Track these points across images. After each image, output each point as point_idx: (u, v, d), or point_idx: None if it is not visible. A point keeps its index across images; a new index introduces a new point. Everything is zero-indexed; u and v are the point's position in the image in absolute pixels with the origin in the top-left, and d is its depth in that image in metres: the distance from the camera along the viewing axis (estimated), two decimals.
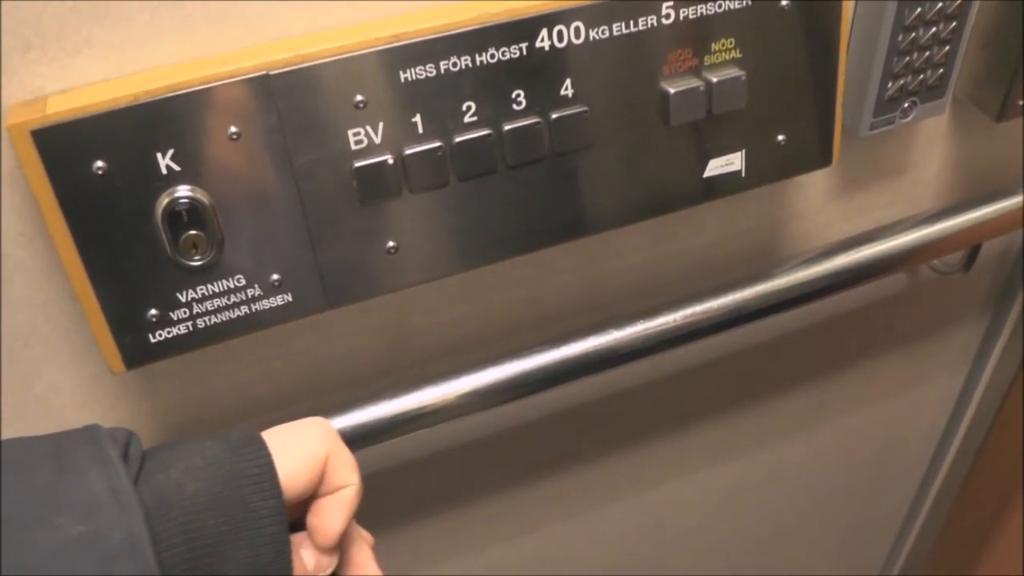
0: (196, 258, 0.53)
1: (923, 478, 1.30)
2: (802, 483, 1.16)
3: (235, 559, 0.42)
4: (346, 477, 0.46)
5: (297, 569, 0.45)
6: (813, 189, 0.79)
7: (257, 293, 0.55)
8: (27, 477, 0.39)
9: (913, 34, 0.68)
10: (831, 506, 1.25)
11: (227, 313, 0.55)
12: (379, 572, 0.49)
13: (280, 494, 0.43)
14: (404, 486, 0.83)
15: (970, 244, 0.86)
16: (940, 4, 0.67)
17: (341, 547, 0.47)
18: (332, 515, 0.46)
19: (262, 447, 0.44)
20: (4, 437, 0.60)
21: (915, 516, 1.36)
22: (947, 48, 0.70)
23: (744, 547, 1.22)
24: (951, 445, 1.23)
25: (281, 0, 0.52)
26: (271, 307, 0.56)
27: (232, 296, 0.55)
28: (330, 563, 0.46)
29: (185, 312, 0.54)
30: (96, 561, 0.37)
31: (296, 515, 0.46)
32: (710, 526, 1.13)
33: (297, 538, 0.46)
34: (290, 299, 0.56)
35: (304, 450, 0.45)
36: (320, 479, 0.46)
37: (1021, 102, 0.76)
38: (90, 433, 0.42)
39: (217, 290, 0.54)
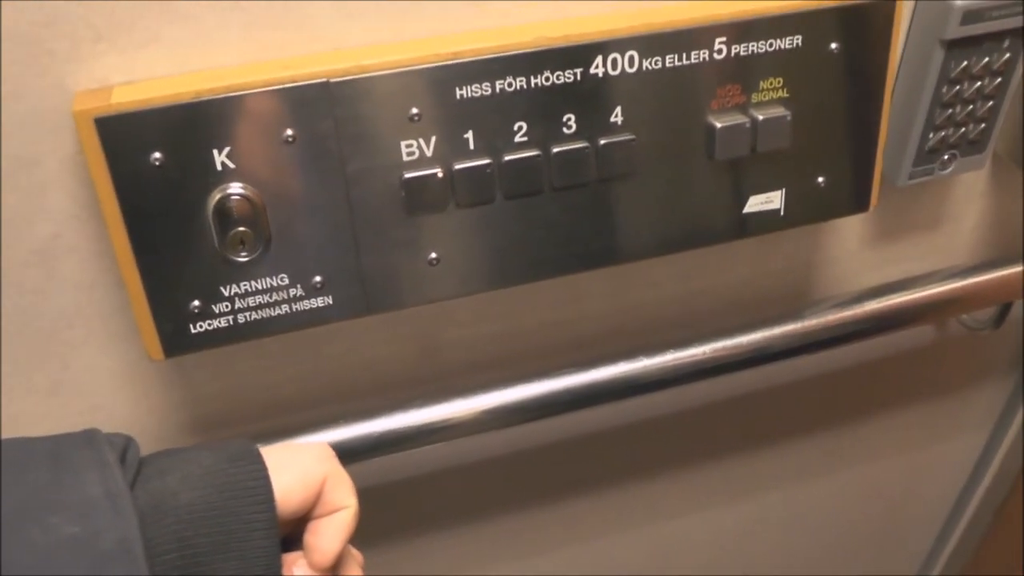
0: (243, 254, 0.54)
1: (938, 535, 1.29)
2: (815, 530, 1.15)
3: (225, 570, 0.42)
4: (344, 499, 0.47)
5: None
6: (848, 234, 0.79)
7: (299, 293, 0.56)
8: (24, 476, 0.40)
9: (958, 87, 0.68)
10: (843, 556, 1.24)
11: (268, 310, 0.56)
12: None
13: (274, 509, 0.43)
14: (420, 498, 0.83)
15: (1002, 301, 0.86)
16: (987, 59, 0.68)
17: (334, 568, 0.48)
18: (329, 536, 0.46)
19: (259, 461, 0.44)
20: (36, 412, 0.62)
21: (931, 568, 1.35)
22: (991, 103, 0.71)
23: None
24: (968, 505, 1.22)
25: (344, 10, 0.54)
26: (311, 308, 0.57)
27: (274, 294, 0.56)
28: None
29: (227, 306, 0.56)
30: (88, 563, 0.38)
31: (286, 533, 0.47)
32: (720, 565, 1.13)
33: (290, 557, 0.47)
34: (331, 302, 0.57)
35: (301, 469, 0.46)
36: (315, 500, 0.46)
37: None
38: (88, 436, 0.42)
39: (260, 287, 0.56)
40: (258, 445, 0.46)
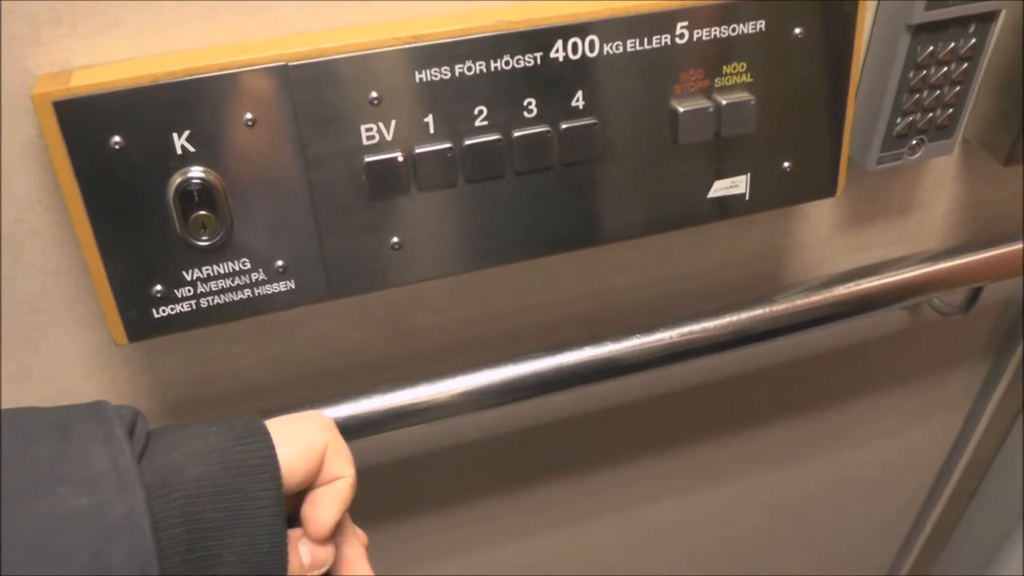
0: (204, 238, 0.54)
1: (916, 517, 1.30)
2: (794, 514, 1.16)
3: (231, 546, 0.42)
4: (342, 468, 0.47)
5: (294, 564, 0.46)
6: (819, 220, 0.80)
7: (261, 278, 0.56)
8: (32, 447, 0.40)
9: (925, 72, 0.68)
10: (822, 539, 1.25)
11: (230, 295, 0.56)
12: (370, 571, 0.50)
13: (280, 486, 0.44)
14: (395, 485, 0.84)
15: (971, 285, 0.86)
16: (953, 44, 0.68)
17: (336, 544, 0.48)
18: (327, 505, 0.47)
19: (266, 438, 0.45)
20: (5, 398, 0.62)
21: (906, 556, 1.35)
22: (958, 88, 0.71)
23: (731, 572, 1.22)
24: (946, 487, 1.23)
25: None
26: (274, 292, 0.57)
27: (236, 278, 0.56)
28: (326, 559, 0.47)
29: (189, 290, 0.55)
30: (95, 535, 0.38)
31: (291, 509, 0.47)
32: (699, 550, 1.13)
33: (295, 534, 0.47)
34: (293, 286, 0.57)
35: (304, 440, 0.46)
36: (318, 470, 0.46)
37: None
38: (96, 409, 0.43)
39: (222, 271, 0.56)
40: (261, 419, 0.46)
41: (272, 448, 0.44)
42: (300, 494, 0.47)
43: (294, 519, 0.47)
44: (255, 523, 0.43)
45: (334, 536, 0.48)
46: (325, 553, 0.47)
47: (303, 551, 0.47)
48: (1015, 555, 1.24)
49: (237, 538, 0.42)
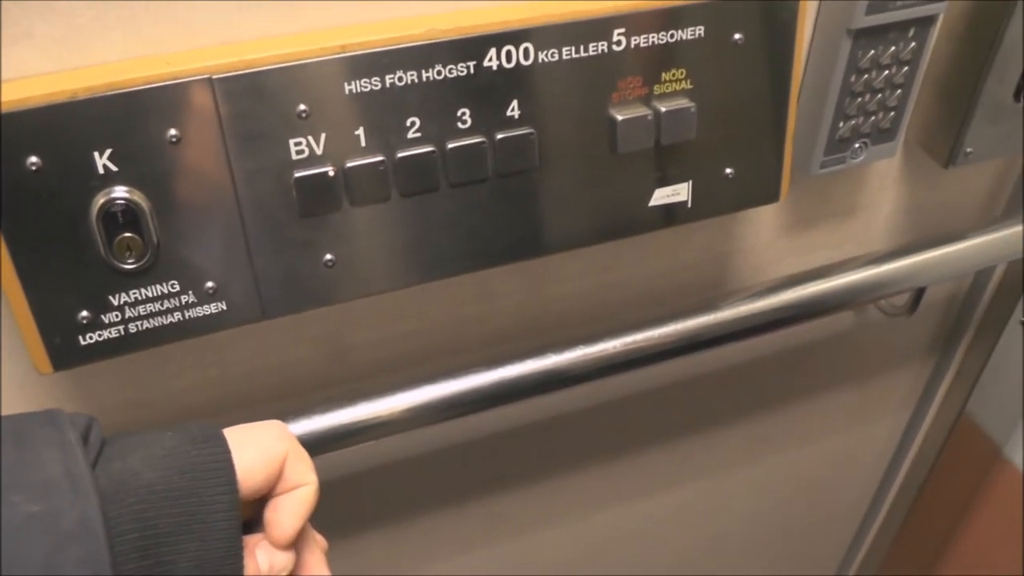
0: (130, 261, 0.52)
1: (864, 516, 1.31)
2: (744, 516, 1.17)
3: (186, 550, 0.42)
4: (304, 476, 0.47)
5: (250, 569, 0.45)
6: (763, 225, 0.79)
7: (191, 300, 0.55)
8: None
9: (866, 75, 0.68)
10: (772, 540, 1.26)
11: (159, 319, 0.55)
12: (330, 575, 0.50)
13: (236, 491, 0.44)
14: (339, 502, 0.82)
15: (915, 287, 0.86)
16: (894, 48, 0.68)
17: (296, 549, 0.48)
18: (289, 512, 0.47)
19: (222, 442, 0.45)
20: None
21: (855, 553, 1.37)
22: (899, 92, 0.71)
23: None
24: (893, 484, 1.24)
25: (231, 3, 0.52)
26: (205, 315, 0.55)
27: (165, 301, 0.54)
28: (285, 565, 0.47)
29: (117, 316, 0.53)
30: (49, 541, 0.38)
31: (250, 515, 0.47)
32: (650, 555, 1.13)
33: (253, 539, 0.47)
34: (224, 308, 0.55)
35: (262, 447, 0.46)
36: (277, 477, 0.46)
37: (969, 150, 0.77)
38: (51, 416, 0.42)
39: (150, 295, 0.54)
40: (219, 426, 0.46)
41: (227, 452, 0.44)
42: (261, 500, 0.47)
43: (256, 524, 0.47)
44: (210, 527, 0.43)
45: (295, 542, 0.48)
46: (285, 559, 0.47)
47: (261, 556, 0.46)
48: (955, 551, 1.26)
49: (192, 542, 0.42)
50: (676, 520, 1.10)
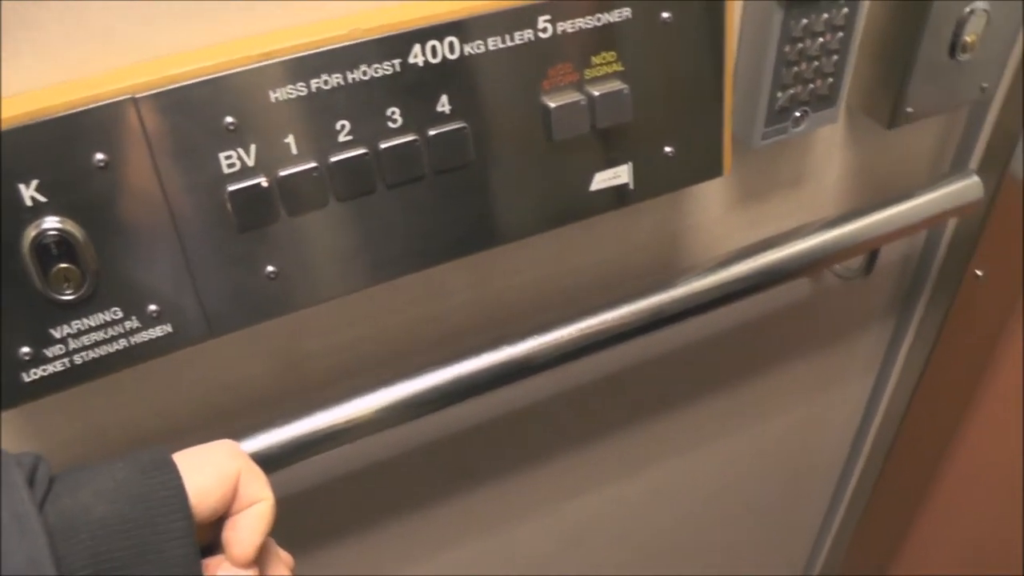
0: (68, 292, 0.51)
1: (839, 479, 1.32)
2: (718, 489, 1.17)
3: None
4: (259, 492, 0.47)
5: None
6: (711, 201, 0.79)
7: (136, 325, 0.53)
8: None
9: (801, 44, 0.68)
10: (749, 511, 1.26)
11: (105, 347, 0.53)
12: None
13: (190, 516, 0.43)
14: (309, 512, 0.82)
15: (868, 249, 0.87)
16: (826, 15, 0.68)
17: (260, 567, 0.47)
18: (247, 529, 0.46)
19: (172, 469, 0.44)
20: None
21: (832, 517, 1.38)
22: (836, 58, 0.71)
23: (663, 558, 1.22)
24: (864, 445, 1.25)
25: (147, 18, 0.51)
26: (151, 339, 0.54)
27: (110, 329, 0.53)
28: None
29: (60, 348, 0.52)
30: None
31: (209, 538, 0.46)
32: (628, 537, 1.13)
33: (214, 561, 0.46)
34: (171, 329, 0.54)
35: (214, 468, 0.45)
36: (232, 496, 0.46)
37: (909, 109, 0.77)
38: None
39: (93, 324, 0.52)
40: (170, 451, 0.45)
41: (179, 478, 0.43)
42: (219, 521, 0.46)
43: (216, 546, 0.47)
44: (166, 556, 0.42)
45: (258, 560, 0.47)
46: None
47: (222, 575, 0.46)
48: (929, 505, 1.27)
49: (149, 573, 0.42)
50: (649, 501, 1.10)
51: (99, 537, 0.41)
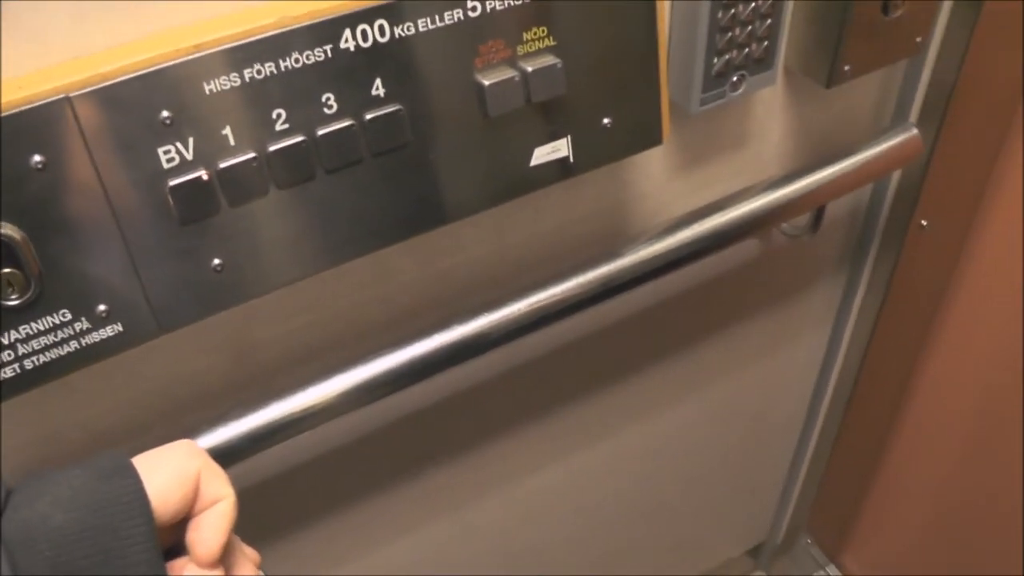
0: (13, 297, 0.50)
1: (800, 435, 1.34)
2: (680, 454, 1.19)
3: None
4: (220, 490, 0.46)
5: None
6: (654, 168, 0.80)
7: (85, 326, 0.53)
8: None
9: (733, 10, 0.69)
10: (712, 474, 1.28)
11: (56, 350, 0.53)
12: None
13: (151, 520, 0.42)
14: (269, 504, 0.82)
15: (813, 206, 0.88)
16: None
17: (226, 565, 0.47)
18: (210, 528, 0.46)
19: (131, 472, 0.43)
20: None
21: (796, 473, 1.40)
22: (769, 21, 0.72)
23: (629, 525, 1.23)
24: (823, 399, 1.27)
25: (78, 15, 0.50)
26: (102, 339, 0.54)
27: (59, 332, 0.53)
28: None
29: (10, 354, 0.52)
30: None
31: (172, 540, 0.46)
32: (590, 508, 1.14)
33: (178, 563, 0.46)
34: (121, 328, 0.54)
35: (173, 468, 0.45)
36: (193, 496, 0.45)
37: (847, 67, 0.78)
38: None
39: (42, 328, 0.52)
40: (127, 454, 0.45)
41: (138, 482, 0.43)
42: (181, 523, 0.46)
43: (180, 548, 0.46)
44: (129, 561, 0.41)
45: (223, 559, 0.47)
46: None
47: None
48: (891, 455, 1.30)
49: None
50: (611, 470, 1.11)
51: (59, 547, 0.40)
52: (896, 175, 1.00)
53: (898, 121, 0.94)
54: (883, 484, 1.36)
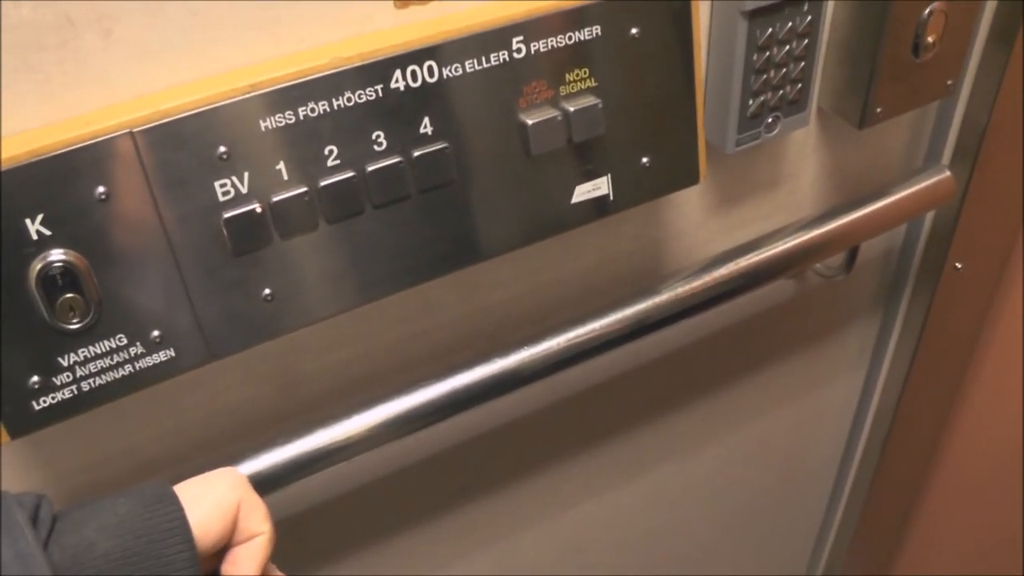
0: (74, 321, 0.52)
1: (836, 477, 1.33)
2: (716, 492, 1.18)
3: None
4: (258, 525, 0.47)
5: None
6: (690, 207, 0.81)
7: (139, 351, 0.55)
8: None
9: (768, 53, 0.71)
10: (748, 513, 1.27)
11: (111, 374, 0.55)
12: None
13: (193, 548, 0.43)
14: (307, 534, 0.83)
15: (847, 246, 0.89)
16: (791, 23, 0.70)
17: None
18: (246, 564, 0.46)
19: (174, 501, 0.44)
20: None
21: (832, 515, 1.39)
22: (803, 64, 0.73)
23: (664, 563, 1.23)
24: (859, 441, 1.26)
25: (141, 56, 0.53)
26: (155, 364, 0.56)
27: (114, 356, 0.55)
28: None
29: (68, 376, 0.54)
30: None
31: (209, 570, 0.47)
32: (627, 544, 1.14)
33: None
34: (173, 354, 0.56)
35: (216, 499, 0.46)
36: (232, 528, 0.46)
37: (879, 109, 0.79)
38: None
39: (99, 351, 0.54)
40: (170, 482, 0.46)
41: (181, 511, 0.44)
42: (219, 553, 0.47)
43: None
44: None
45: None
46: None
47: None
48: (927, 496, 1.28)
49: None
50: (647, 507, 1.11)
51: (104, 572, 0.41)
52: (930, 216, 1.00)
53: (931, 162, 0.94)
54: (920, 527, 1.34)
